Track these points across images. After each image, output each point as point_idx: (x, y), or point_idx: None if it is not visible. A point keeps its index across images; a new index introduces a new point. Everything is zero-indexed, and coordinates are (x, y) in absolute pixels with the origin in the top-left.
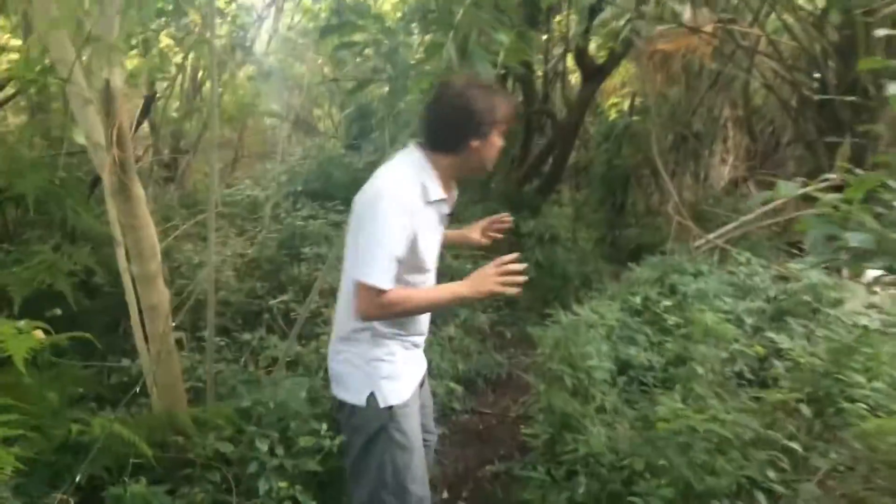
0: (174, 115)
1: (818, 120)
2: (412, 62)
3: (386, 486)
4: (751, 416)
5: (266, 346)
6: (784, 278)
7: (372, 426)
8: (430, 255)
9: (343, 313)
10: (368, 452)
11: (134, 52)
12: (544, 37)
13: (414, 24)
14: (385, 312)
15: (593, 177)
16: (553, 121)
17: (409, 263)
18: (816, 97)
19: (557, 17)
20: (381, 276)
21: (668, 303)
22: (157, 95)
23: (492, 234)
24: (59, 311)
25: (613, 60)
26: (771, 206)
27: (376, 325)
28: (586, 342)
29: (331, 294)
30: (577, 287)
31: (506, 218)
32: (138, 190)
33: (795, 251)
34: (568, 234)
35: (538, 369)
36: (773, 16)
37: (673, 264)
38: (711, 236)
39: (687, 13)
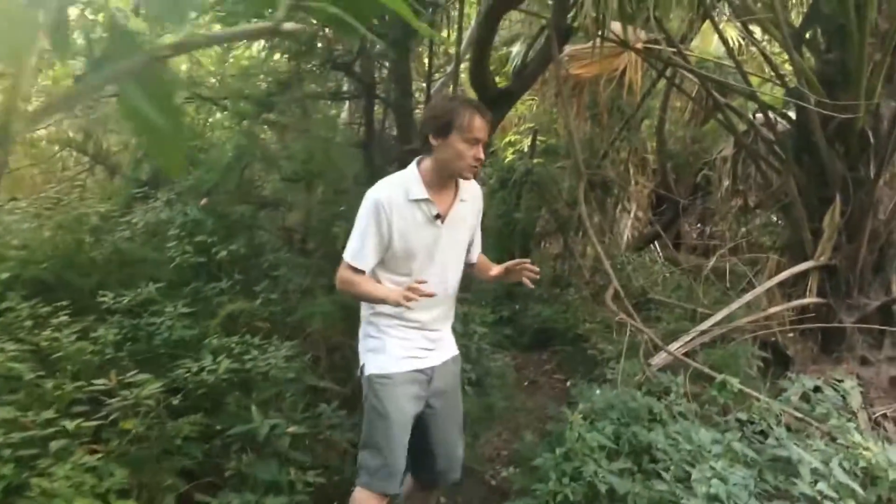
0: None
1: (798, 172)
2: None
3: (364, 443)
4: None
5: None
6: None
7: (364, 394)
8: (416, 246)
9: None
10: (364, 412)
11: None
12: (424, 54)
13: None
14: (341, 286)
15: (487, 233)
16: None
17: (393, 253)
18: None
19: (443, 32)
20: (349, 254)
21: None
22: None
23: (523, 275)
24: None
25: (521, 83)
26: (744, 300)
27: (376, 305)
28: None
29: None
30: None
31: (528, 265)
32: None
33: (778, 359)
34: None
35: None
36: (733, 32)
37: (629, 405)
38: (674, 348)
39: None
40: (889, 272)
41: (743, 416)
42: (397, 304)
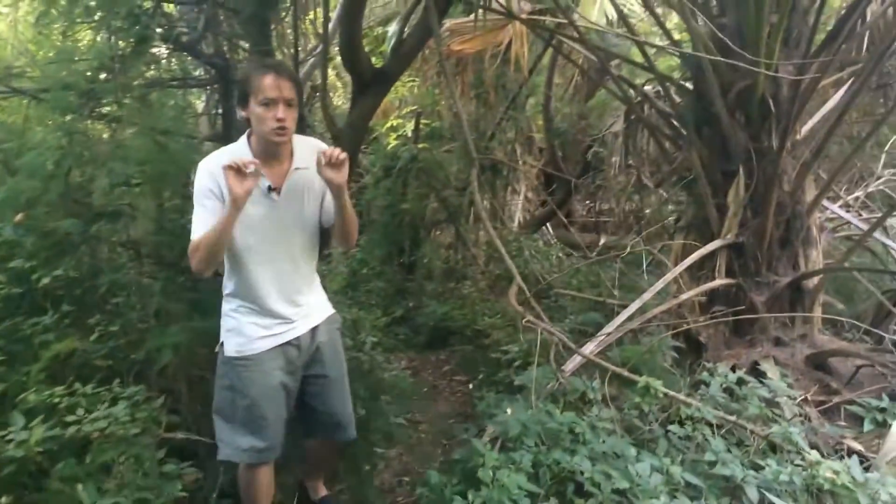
0: None
1: (699, 144)
2: None
3: (227, 420)
4: None
5: None
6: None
7: (221, 370)
8: (252, 221)
9: None
10: (216, 387)
11: None
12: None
13: None
14: (193, 259)
15: (374, 226)
16: None
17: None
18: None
19: (310, 14)
20: (193, 233)
21: None
22: None
23: (332, 167)
24: None
25: (398, 62)
26: (655, 288)
27: (227, 284)
28: None
29: None
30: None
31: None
32: None
33: (691, 346)
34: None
35: None
36: None
37: (547, 426)
38: (588, 349)
39: None
40: (796, 246)
41: (675, 427)
42: (237, 200)
